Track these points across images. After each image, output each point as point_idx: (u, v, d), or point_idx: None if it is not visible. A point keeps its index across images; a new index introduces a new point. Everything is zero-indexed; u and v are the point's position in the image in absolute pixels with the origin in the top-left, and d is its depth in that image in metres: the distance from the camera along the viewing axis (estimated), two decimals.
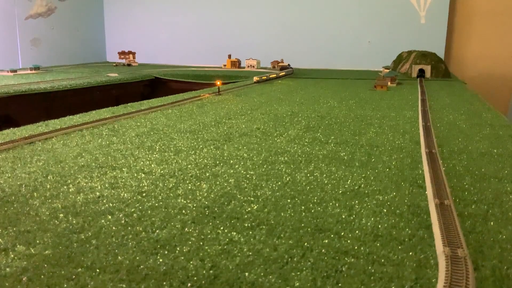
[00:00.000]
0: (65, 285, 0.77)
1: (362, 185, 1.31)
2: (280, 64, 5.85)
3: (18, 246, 0.92)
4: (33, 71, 5.22)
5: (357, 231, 1.00)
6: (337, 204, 1.16)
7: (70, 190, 1.25)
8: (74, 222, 1.04)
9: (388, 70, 4.75)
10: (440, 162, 1.51)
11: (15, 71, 4.99)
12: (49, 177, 1.36)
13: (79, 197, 1.19)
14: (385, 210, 1.12)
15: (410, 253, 0.89)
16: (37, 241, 0.94)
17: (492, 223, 1.04)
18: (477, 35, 5.95)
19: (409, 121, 2.34)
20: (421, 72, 4.90)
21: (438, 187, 1.24)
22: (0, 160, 1.55)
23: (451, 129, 2.13)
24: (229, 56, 6.19)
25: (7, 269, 0.83)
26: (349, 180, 1.35)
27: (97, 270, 0.82)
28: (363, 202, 1.18)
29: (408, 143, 1.84)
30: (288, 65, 5.82)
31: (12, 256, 0.88)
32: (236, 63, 6.11)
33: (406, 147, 1.78)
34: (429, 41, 5.70)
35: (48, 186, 1.28)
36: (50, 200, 1.17)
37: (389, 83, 3.99)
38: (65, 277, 0.80)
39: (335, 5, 6.28)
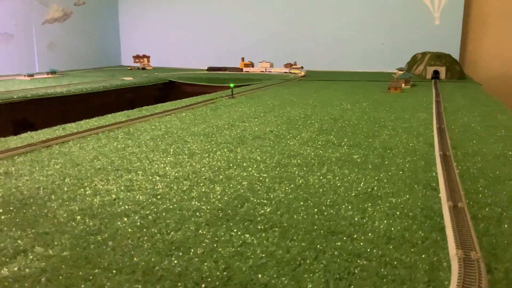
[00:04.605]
0: (83, 286, 0.79)
1: (375, 188, 1.31)
2: (293, 66, 5.86)
3: (36, 247, 0.94)
4: (50, 75, 5.31)
5: (369, 234, 1.00)
6: (350, 207, 1.16)
7: (87, 192, 1.28)
8: (91, 224, 1.06)
9: (402, 72, 4.73)
10: (454, 165, 1.51)
11: (32, 75, 5.08)
12: (66, 180, 1.39)
13: (95, 200, 1.22)
14: (398, 213, 1.12)
15: (423, 256, 0.89)
16: (55, 243, 0.96)
17: (506, 225, 1.04)
18: (493, 36, 5.89)
19: (423, 123, 2.33)
20: (436, 74, 4.86)
21: (452, 189, 1.24)
22: (19, 163, 1.58)
23: (466, 131, 2.12)
24: (242, 59, 6.21)
25: (27, 269, 0.85)
26: (362, 183, 1.36)
27: (114, 271, 0.84)
28: (376, 204, 1.18)
29: (422, 145, 1.84)
30: (301, 67, 5.82)
31: (31, 257, 0.90)
32: (250, 66, 6.13)
33: (419, 149, 1.77)
34: (443, 42, 5.65)
35: (66, 189, 1.31)
36: (67, 203, 1.20)
37: (403, 85, 3.97)
38: (83, 277, 0.82)
39: (349, 7, 6.27)
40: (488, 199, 1.22)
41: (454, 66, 4.94)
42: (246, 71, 6.00)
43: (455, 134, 2.05)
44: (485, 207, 1.15)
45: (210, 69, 6.19)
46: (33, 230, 1.03)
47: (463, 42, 5.93)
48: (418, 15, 5.95)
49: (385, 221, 1.07)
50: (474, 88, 4.15)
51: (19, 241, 0.97)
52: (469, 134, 2.05)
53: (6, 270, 0.85)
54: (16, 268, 0.85)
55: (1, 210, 1.14)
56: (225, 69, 6.13)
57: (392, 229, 1.02)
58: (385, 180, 1.38)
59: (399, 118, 2.47)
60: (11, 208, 1.16)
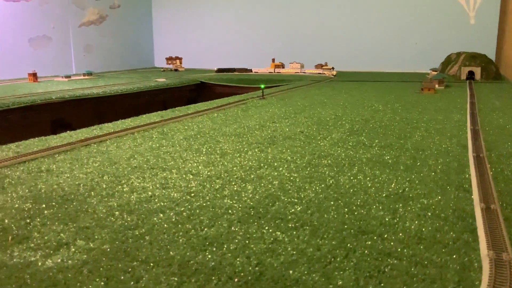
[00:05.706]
0: (122, 277, 0.83)
1: (406, 189, 1.31)
2: (324, 67, 5.84)
3: (78, 240, 0.99)
4: (86, 77, 5.47)
5: (400, 234, 1.01)
6: (380, 207, 1.17)
7: (125, 189, 1.33)
8: (129, 219, 1.11)
9: (435, 73, 4.65)
10: (488, 166, 1.49)
11: (69, 76, 5.24)
12: (104, 177, 1.44)
13: (132, 196, 1.27)
14: (429, 214, 1.12)
15: (454, 256, 0.89)
16: (96, 237, 1.01)
17: None
18: None
19: (457, 124, 2.29)
20: (471, 74, 4.76)
21: (485, 191, 1.23)
22: (59, 161, 1.65)
23: (501, 132, 2.08)
24: (273, 60, 6.23)
25: (69, 261, 0.90)
26: (393, 184, 1.36)
27: (151, 264, 0.88)
28: (407, 205, 1.18)
29: (455, 147, 1.82)
30: (332, 68, 5.80)
31: (73, 250, 0.95)
32: (280, 67, 6.15)
33: (453, 151, 1.75)
34: (479, 42, 5.52)
35: (104, 186, 1.36)
36: (106, 199, 1.25)
37: (436, 86, 3.91)
38: (122, 270, 0.86)
39: (382, 6, 6.20)
40: None
41: (490, 67, 4.83)
42: (255, 72, 6.01)
43: (490, 135, 2.02)
44: None
45: (219, 70, 6.21)
46: (74, 225, 1.08)
47: (499, 42, 5.78)
48: (452, 14, 5.83)
49: (416, 222, 1.07)
50: (510, 89, 4.05)
51: (61, 235, 1.02)
52: (504, 135, 2.02)
53: (50, 261, 0.90)
54: (59, 260, 0.91)
55: (44, 205, 1.20)
56: (233, 70, 6.14)
57: (423, 229, 1.03)
58: (416, 181, 1.38)
59: (432, 119, 2.45)
60: (54, 203, 1.22)
